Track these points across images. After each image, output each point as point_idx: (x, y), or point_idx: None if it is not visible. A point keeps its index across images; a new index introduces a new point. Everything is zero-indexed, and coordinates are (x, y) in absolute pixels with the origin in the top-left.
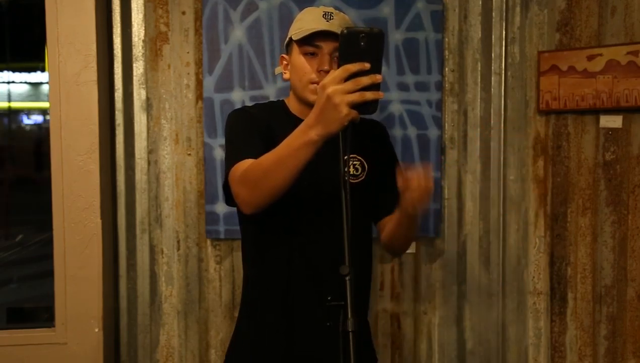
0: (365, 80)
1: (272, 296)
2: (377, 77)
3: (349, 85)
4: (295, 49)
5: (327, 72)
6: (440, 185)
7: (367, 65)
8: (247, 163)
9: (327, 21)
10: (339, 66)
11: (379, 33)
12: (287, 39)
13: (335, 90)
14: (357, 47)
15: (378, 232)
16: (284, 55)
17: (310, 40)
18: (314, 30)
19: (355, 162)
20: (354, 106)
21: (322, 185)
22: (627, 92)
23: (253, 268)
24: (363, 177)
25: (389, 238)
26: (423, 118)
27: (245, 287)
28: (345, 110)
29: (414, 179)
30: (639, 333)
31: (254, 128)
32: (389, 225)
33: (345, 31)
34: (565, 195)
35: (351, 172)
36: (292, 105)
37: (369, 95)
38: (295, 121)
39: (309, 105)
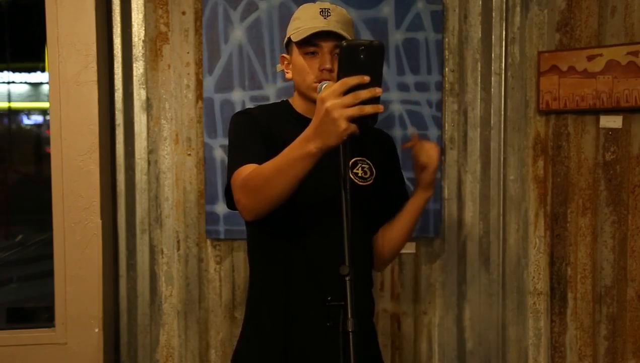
0: (365, 94)
1: (274, 297)
2: (377, 91)
3: (348, 99)
4: (295, 49)
5: (330, 70)
6: (440, 185)
7: (366, 79)
8: (249, 168)
9: (325, 18)
10: (338, 79)
11: (379, 46)
12: (286, 38)
13: (334, 104)
14: (357, 60)
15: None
16: (285, 55)
17: (309, 40)
18: (312, 32)
19: (364, 166)
20: (353, 120)
21: (326, 189)
22: (627, 92)
23: (256, 270)
24: (371, 181)
25: (390, 239)
26: (423, 118)
27: (249, 289)
28: (344, 124)
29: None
30: (639, 333)
31: (257, 131)
32: (389, 227)
33: (344, 44)
34: (565, 195)
35: (360, 175)
36: (297, 104)
37: (368, 108)
38: (302, 120)
39: (315, 103)
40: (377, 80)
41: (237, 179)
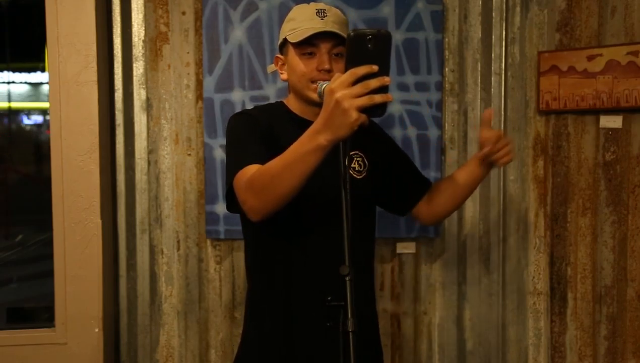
0: (374, 83)
1: (274, 298)
2: (386, 80)
3: (358, 89)
4: (292, 49)
5: (328, 70)
6: None
7: (375, 68)
8: (251, 169)
9: (322, 19)
10: (346, 69)
11: (386, 35)
12: (281, 39)
13: (343, 94)
14: (365, 49)
15: (416, 213)
16: (279, 56)
17: (307, 41)
18: (311, 33)
19: (358, 158)
20: (362, 110)
21: (326, 189)
22: (627, 92)
23: (256, 271)
24: (365, 174)
25: (448, 207)
26: (423, 118)
27: (248, 290)
28: (354, 114)
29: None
30: (639, 333)
31: (256, 131)
32: (444, 197)
33: (352, 34)
34: (565, 195)
35: (355, 168)
36: (292, 104)
37: (378, 98)
38: (297, 120)
39: (311, 103)
40: (385, 69)
41: (240, 180)
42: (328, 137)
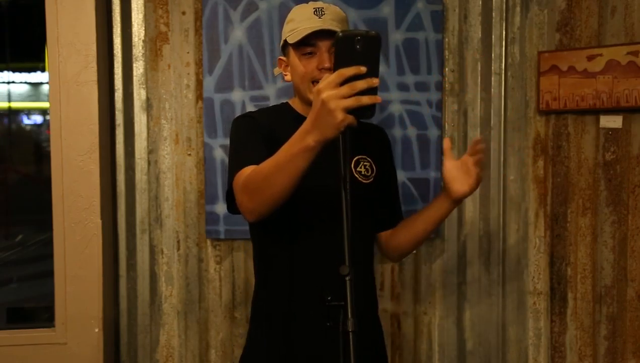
0: (361, 85)
1: (274, 298)
2: (374, 81)
3: (344, 90)
4: (292, 50)
5: (329, 69)
6: (440, 186)
7: (363, 69)
8: (249, 170)
9: (320, 17)
10: (334, 70)
11: (375, 36)
12: (282, 41)
13: (329, 95)
14: (353, 50)
15: (379, 240)
16: (282, 58)
17: (306, 41)
18: (308, 32)
19: (365, 163)
20: (350, 111)
21: (326, 188)
22: (627, 92)
23: (259, 271)
24: (372, 179)
25: (406, 242)
26: (423, 118)
27: (254, 290)
28: (340, 115)
29: (464, 166)
30: (639, 333)
31: (258, 134)
32: (403, 231)
33: (340, 34)
34: (565, 195)
35: (362, 172)
36: (297, 105)
37: (365, 99)
38: (301, 120)
39: None
40: (374, 70)
41: (238, 181)
42: (316, 137)
